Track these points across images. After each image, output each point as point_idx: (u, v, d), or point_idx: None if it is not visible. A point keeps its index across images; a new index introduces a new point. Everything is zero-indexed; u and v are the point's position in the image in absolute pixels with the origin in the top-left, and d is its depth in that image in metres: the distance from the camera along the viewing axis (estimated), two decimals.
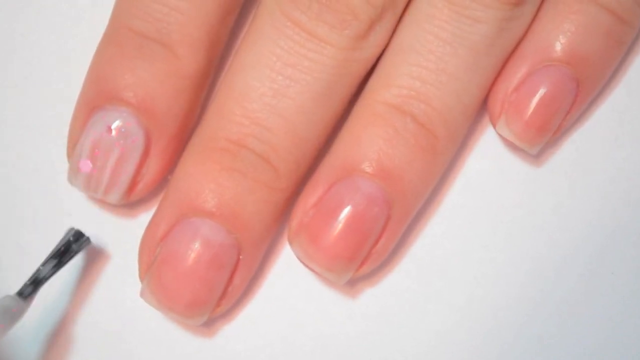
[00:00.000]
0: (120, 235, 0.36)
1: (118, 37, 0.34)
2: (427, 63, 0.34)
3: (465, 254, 0.37)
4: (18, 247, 0.36)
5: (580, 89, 0.36)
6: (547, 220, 0.37)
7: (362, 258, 0.34)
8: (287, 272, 0.37)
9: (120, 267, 0.36)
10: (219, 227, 0.33)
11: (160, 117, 0.34)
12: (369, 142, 0.34)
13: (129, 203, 0.36)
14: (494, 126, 0.36)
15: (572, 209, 0.37)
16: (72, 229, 0.34)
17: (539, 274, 0.37)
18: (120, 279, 0.36)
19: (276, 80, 0.34)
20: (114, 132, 0.34)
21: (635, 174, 0.38)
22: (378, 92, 0.35)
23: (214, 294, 0.34)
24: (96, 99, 0.34)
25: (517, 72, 0.36)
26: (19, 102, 0.37)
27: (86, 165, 0.34)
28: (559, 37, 0.35)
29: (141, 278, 0.34)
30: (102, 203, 0.36)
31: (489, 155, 0.38)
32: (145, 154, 0.34)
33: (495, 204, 0.37)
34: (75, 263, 0.36)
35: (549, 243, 0.37)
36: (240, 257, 0.34)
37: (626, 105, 0.38)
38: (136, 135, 0.34)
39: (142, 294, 0.34)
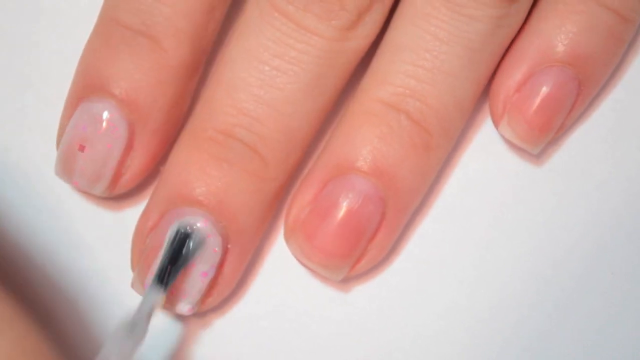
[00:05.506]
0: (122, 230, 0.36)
1: (105, 30, 0.35)
2: (423, 62, 0.34)
3: (464, 254, 0.37)
4: (20, 245, 0.36)
5: (582, 89, 0.36)
6: (546, 218, 0.37)
7: (357, 255, 0.35)
8: (283, 271, 0.36)
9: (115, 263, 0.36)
10: (207, 216, 0.33)
11: (144, 109, 0.34)
12: (363, 140, 0.34)
13: (115, 195, 0.36)
14: (497, 127, 0.36)
15: (571, 207, 0.37)
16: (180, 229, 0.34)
17: (537, 273, 0.37)
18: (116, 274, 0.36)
19: (263, 71, 0.34)
20: (97, 124, 0.34)
21: (634, 172, 0.37)
22: (373, 91, 0.35)
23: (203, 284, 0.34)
24: (82, 90, 0.35)
25: (519, 73, 0.36)
26: (19, 102, 0.37)
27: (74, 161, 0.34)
28: (561, 37, 0.35)
29: (133, 269, 0.35)
30: (106, 199, 0.37)
31: (487, 153, 0.38)
32: (129, 146, 0.34)
33: (493, 202, 0.37)
34: (68, 260, 0.36)
35: (548, 242, 0.37)
36: (229, 246, 0.34)
37: (625, 103, 0.38)
38: (119, 127, 0.34)
39: (132, 285, 0.34)
